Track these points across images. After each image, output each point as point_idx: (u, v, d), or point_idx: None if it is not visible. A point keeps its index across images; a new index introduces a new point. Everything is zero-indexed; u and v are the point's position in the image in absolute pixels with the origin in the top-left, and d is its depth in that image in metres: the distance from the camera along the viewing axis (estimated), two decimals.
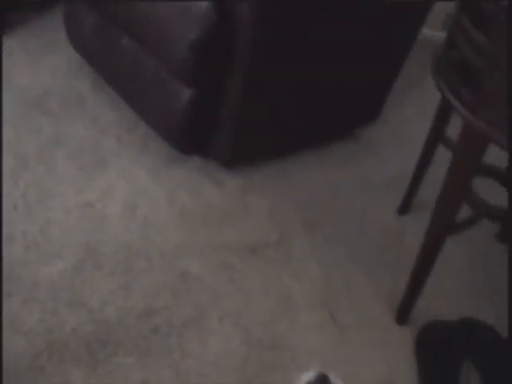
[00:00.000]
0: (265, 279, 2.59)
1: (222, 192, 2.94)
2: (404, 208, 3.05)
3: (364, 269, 2.73)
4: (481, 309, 2.70)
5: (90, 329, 2.28)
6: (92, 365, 2.19)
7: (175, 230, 2.71)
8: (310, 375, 1.18)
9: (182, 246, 2.65)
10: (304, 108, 3.00)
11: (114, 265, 2.51)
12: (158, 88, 2.88)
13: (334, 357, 2.35)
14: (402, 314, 2.55)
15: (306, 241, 2.79)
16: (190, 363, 2.27)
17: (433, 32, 3.77)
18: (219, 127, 2.91)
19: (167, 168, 3.00)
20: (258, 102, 2.82)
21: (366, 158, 3.29)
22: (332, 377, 1.17)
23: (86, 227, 2.63)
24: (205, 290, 2.50)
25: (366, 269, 2.74)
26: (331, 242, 2.81)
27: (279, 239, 2.77)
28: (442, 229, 2.32)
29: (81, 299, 2.37)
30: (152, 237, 2.66)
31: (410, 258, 2.48)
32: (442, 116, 2.68)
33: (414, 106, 3.65)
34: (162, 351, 2.29)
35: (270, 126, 2.94)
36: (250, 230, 2.79)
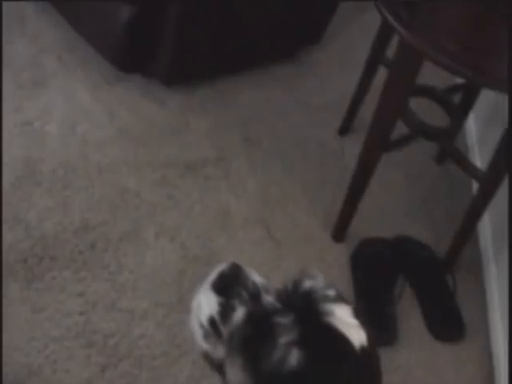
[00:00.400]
0: (202, 196, 2.61)
1: (162, 110, 2.94)
2: (344, 129, 3.08)
3: (302, 187, 2.77)
4: (417, 228, 2.76)
5: (26, 244, 2.30)
6: (29, 279, 2.21)
7: (114, 147, 2.71)
8: (223, 265, 1.18)
9: (121, 163, 2.66)
10: (244, 27, 2.99)
11: (53, 181, 2.51)
12: (97, 6, 2.85)
13: (270, 272, 2.38)
14: (339, 232, 2.60)
15: (244, 158, 2.81)
16: (127, 276, 2.30)
17: None
18: (159, 45, 2.89)
19: (108, 86, 2.98)
20: (197, 20, 2.80)
21: (307, 80, 3.29)
22: (246, 269, 1.18)
23: (24, 145, 2.62)
24: (143, 205, 2.52)
25: (304, 187, 2.77)
26: (270, 159, 2.84)
27: (218, 157, 2.79)
28: (377, 145, 2.36)
29: (18, 215, 2.38)
30: (91, 154, 2.67)
31: (348, 177, 2.52)
32: (382, 37, 2.70)
33: (358, 30, 3.64)
34: (99, 265, 2.31)
35: (209, 44, 2.93)
36: (190, 147, 2.80)
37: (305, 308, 1.10)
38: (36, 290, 2.19)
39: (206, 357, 1.20)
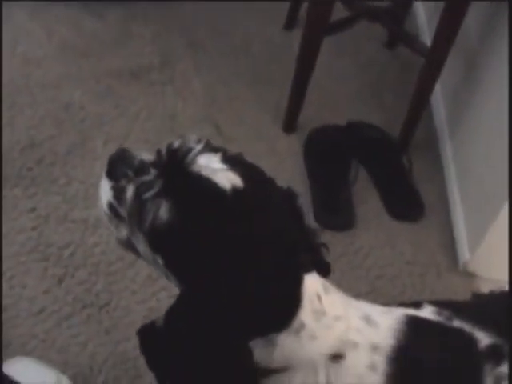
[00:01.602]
0: (148, 102, 2.58)
1: (103, 23, 2.89)
2: (290, 24, 3.04)
3: (249, 84, 2.74)
4: (369, 112, 2.75)
5: None
6: None
7: (56, 63, 2.67)
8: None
9: (64, 78, 2.62)
10: None
11: None
12: None
13: None
14: (288, 123, 2.58)
15: (189, 61, 2.77)
16: (77, 187, 2.29)
17: None
18: None
19: (46, 6, 2.92)
20: None
21: None
22: (134, 150, 1.20)
23: None
24: (88, 117, 2.49)
25: (252, 84, 2.74)
26: (215, 60, 2.80)
27: (162, 62, 2.75)
28: (317, 28, 2.32)
29: None
30: (33, 72, 2.63)
31: None
32: None
33: None
34: (48, 180, 2.29)
35: None
36: (133, 56, 2.76)
37: (170, 163, 1.09)
38: None
39: (119, 242, 1.21)
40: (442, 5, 2.24)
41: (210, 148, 1.11)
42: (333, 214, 2.34)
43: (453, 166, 2.51)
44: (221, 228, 1.05)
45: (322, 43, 2.35)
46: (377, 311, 1.26)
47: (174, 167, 1.07)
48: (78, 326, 1.95)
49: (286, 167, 2.41)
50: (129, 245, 1.16)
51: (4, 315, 1.94)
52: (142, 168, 1.12)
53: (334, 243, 2.27)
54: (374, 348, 1.18)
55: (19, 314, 1.95)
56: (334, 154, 2.47)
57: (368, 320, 1.21)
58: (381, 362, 1.17)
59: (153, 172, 1.08)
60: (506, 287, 1.47)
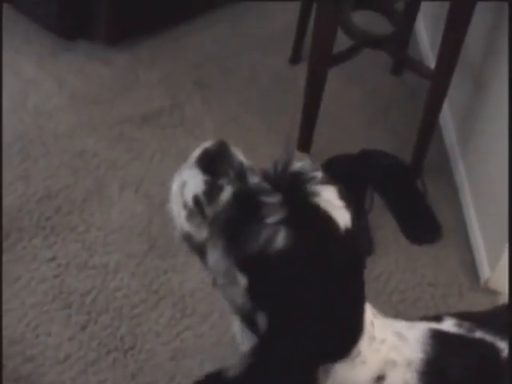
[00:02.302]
0: (161, 144, 2.61)
1: (111, 70, 2.93)
2: (295, 57, 3.07)
3: (260, 118, 2.77)
4: (381, 139, 2.76)
5: None
6: None
7: (67, 113, 2.71)
8: (207, 142, 1.15)
9: (76, 127, 2.65)
10: None
11: (11, 156, 2.50)
12: None
13: None
14: (301, 151, 2.59)
15: (198, 101, 2.80)
16: (96, 234, 2.31)
17: None
18: (97, 6, 2.88)
19: (53, 57, 2.98)
20: None
21: (254, 16, 3.29)
22: (233, 147, 1.16)
23: None
24: (103, 163, 2.52)
25: (262, 118, 2.77)
26: (225, 98, 2.83)
27: (172, 104, 2.78)
28: (321, 58, 2.35)
29: None
30: (45, 123, 2.66)
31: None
32: None
33: None
34: (67, 228, 2.32)
35: None
36: (143, 100, 2.79)
37: (292, 188, 1.05)
38: (8, 262, 2.19)
39: (187, 239, 1.15)
40: (443, 25, 2.26)
41: (327, 179, 1.09)
42: None
43: (467, 185, 2.52)
44: (330, 265, 1.05)
45: (327, 74, 2.36)
46: (403, 326, 1.27)
47: (299, 195, 1.04)
48: (105, 371, 1.96)
49: None
50: (198, 246, 1.11)
51: (31, 364, 1.96)
52: (242, 171, 1.09)
53: None
54: (409, 364, 1.18)
55: (45, 363, 1.97)
56: (348, 182, 2.45)
57: (400, 336, 1.22)
58: (413, 377, 1.18)
59: (272, 192, 1.04)
60: None
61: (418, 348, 1.21)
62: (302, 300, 1.04)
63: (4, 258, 2.20)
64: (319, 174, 1.08)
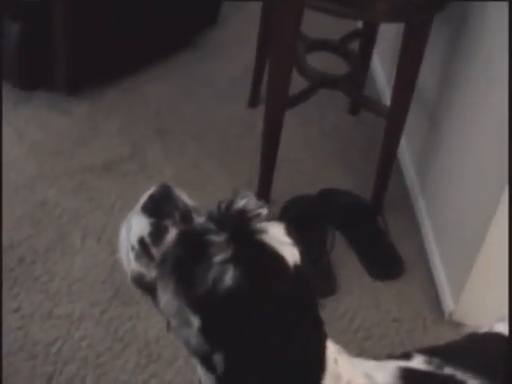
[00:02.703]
0: (122, 192, 2.62)
1: (70, 120, 2.94)
2: (253, 101, 3.10)
3: (219, 164, 2.79)
4: (340, 179, 2.79)
5: None
6: None
7: (28, 164, 2.71)
8: (152, 188, 1.16)
9: (37, 178, 2.66)
10: (136, 22, 3.00)
11: None
12: None
13: None
14: (262, 197, 2.57)
15: (158, 148, 2.82)
16: (59, 284, 2.30)
17: None
18: (54, 56, 2.90)
19: (13, 108, 2.97)
20: (86, 24, 2.82)
21: (211, 62, 3.31)
22: (177, 189, 1.16)
23: None
24: (64, 213, 2.52)
25: (222, 164, 2.79)
26: (184, 145, 2.86)
27: (132, 152, 2.80)
28: (277, 101, 2.38)
29: None
30: (5, 175, 2.65)
31: None
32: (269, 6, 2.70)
33: (255, 7, 3.63)
34: (30, 278, 2.31)
35: (103, 46, 2.95)
36: (103, 149, 2.80)
37: (238, 226, 1.06)
38: None
39: (138, 281, 1.15)
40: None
41: (273, 216, 1.10)
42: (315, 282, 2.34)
43: (427, 220, 2.55)
44: (280, 301, 1.05)
45: (284, 116, 2.39)
46: (372, 367, 1.26)
47: (245, 232, 1.05)
48: None
49: None
50: (148, 286, 1.12)
51: None
52: (186, 212, 1.10)
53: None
54: None
55: None
56: (308, 223, 2.50)
57: (370, 378, 1.21)
58: None
59: (217, 230, 1.05)
60: (495, 328, 1.48)
61: None
62: (254, 339, 1.04)
63: None
64: (264, 211, 1.09)
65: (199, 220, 1.10)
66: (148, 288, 1.13)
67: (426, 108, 2.63)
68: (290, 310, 1.06)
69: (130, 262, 1.14)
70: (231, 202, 1.09)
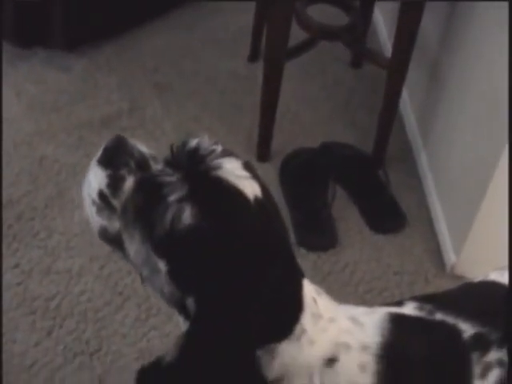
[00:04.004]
0: None
1: (69, 76, 2.92)
2: (253, 55, 3.07)
3: (219, 118, 2.76)
4: (342, 132, 2.77)
5: None
6: None
7: (27, 121, 2.69)
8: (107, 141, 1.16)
9: (36, 134, 2.63)
10: None
11: None
12: None
13: None
14: (262, 151, 2.59)
15: (157, 103, 2.80)
16: (58, 239, 2.29)
17: None
18: (52, 13, 2.86)
19: (11, 66, 2.94)
20: None
21: (211, 18, 3.28)
22: (132, 140, 1.15)
23: None
24: (63, 169, 2.50)
25: (222, 118, 2.77)
26: (183, 99, 2.83)
27: (131, 107, 2.77)
28: (276, 53, 2.35)
29: None
30: (4, 131, 2.64)
31: None
32: None
33: None
34: (29, 235, 2.30)
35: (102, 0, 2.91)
36: (101, 104, 2.78)
37: (191, 165, 1.04)
38: None
39: (103, 235, 1.14)
40: None
41: (228, 151, 1.07)
42: (315, 236, 2.34)
43: (429, 173, 2.53)
44: (242, 235, 1.02)
45: (283, 68, 2.36)
46: (360, 312, 1.25)
47: (199, 170, 1.02)
48: (71, 376, 1.95)
49: None
50: (115, 239, 1.10)
51: None
52: (142, 160, 1.08)
53: (319, 263, 2.28)
54: (364, 348, 1.17)
55: (11, 370, 1.95)
56: (309, 176, 2.48)
57: (354, 320, 1.20)
58: (370, 361, 1.16)
59: (171, 171, 1.03)
60: (490, 276, 1.46)
61: (374, 332, 1.20)
62: (221, 277, 1.02)
63: None
64: (218, 148, 1.06)
65: (157, 166, 1.07)
66: (115, 241, 1.12)
67: (428, 61, 2.60)
68: (255, 244, 1.03)
69: (93, 217, 1.12)
70: (184, 143, 1.07)
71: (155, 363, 1.07)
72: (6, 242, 2.25)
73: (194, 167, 1.03)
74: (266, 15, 2.71)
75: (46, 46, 2.99)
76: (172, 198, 1.00)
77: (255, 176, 1.07)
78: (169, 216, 1.00)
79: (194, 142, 1.07)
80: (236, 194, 1.02)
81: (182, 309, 1.08)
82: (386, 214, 2.45)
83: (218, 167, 1.03)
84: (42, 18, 2.87)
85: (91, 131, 2.64)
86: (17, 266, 2.20)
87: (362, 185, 2.53)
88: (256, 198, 1.04)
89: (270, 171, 2.53)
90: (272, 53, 2.32)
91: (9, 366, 1.95)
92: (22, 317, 2.08)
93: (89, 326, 2.06)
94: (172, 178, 1.02)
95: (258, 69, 2.86)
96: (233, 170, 1.04)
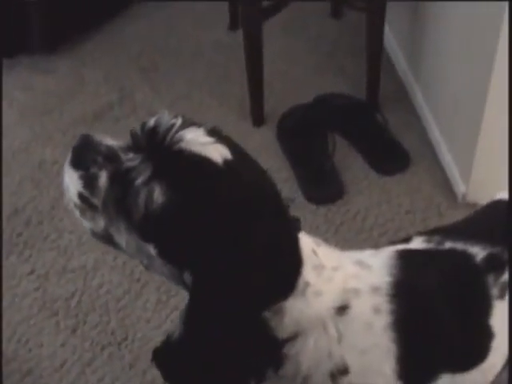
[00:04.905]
0: (117, 137, 2.55)
1: (55, 78, 2.92)
2: (233, 23, 3.06)
3: (209, 90, 2.76)
4: (332, 83, 2.75)
5: None
6: None
7: (21, 128, 2.70)
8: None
9: (32, 139, 2.64)
10: None
11: None
12: None
13: None
14: (256, 116, 2.59)
15: (146, 87, 2.80)
16: (69, 238, 2.30)
17: None
18: (28, 19, 2.86)
19: None
20: None
21: None
22: (97, 135, 1.15)
23: None
24: (62, 169, 2.48)
25: (212, 89, 2.76)
26: (171, 79, 2.83)
27: (121, 96, 2.78)
28: (253, 12, 2.34)
29: None
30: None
31: None
32: None
33: None
34: (40, 239, 2.30)
35: None
36: (91, 99, 2.79)
37: (152, 143, 1.03)
38: None
39: (95, 235, 1.14)
40: None
41: (189, 122, 1.06)
42: (321, 188, 2.33)
43: (426, 107, 2.51)
44: (220, 200, 1.01)
45: (262, 27, 2.35)
46: (366, 255, 1.23)
47: (161, 147, 1.01)
48: (102, 368, 1.96)
49: (264, 159, 2.33)
50: (106, 236, 1.10)
51: (29, 378, 1.95)
52: (111, 153, 1.07)
53: (330, 216, 2.27)
54: (375, 290, 1.15)
55: (43, 374, 1.96)
56: (307, 131, 2.46)
57: (361, 264, 1.19)
58: (383, 301, 1.15)
59: (134, 156, 1.02)
60: (497, 196, 1.44)
61: (383, 273, 1.18)
62: (210, 246, 1.01)
63: None
64: (178, 121, 1.05)
65: (128, 156, 1.05)
66: (106, 238, 1.11)
67: None
68: (231, 204, 1.02)
69: (79, 219, 1.12)
70: (143, 125, 1.06)
71: (165, 341, 1.08)
72: (17, 251, 2.26)
73: (155, 146, 1.02)
74: None
75: (28, 51, 2.99)
76: (139, 180, 0.99)
77: (223, 139, 1.06)
78: (141, 199, 1.00)
79: (152, 121, 1.06)
80: (201, 161, 1.01)
81: (186, 285, 1.08)
82: (390, 155, 2.44)
83: (180, 140, 1.02)
84: (20, 24, 2.86)
85: (85, 127, 2.64)
86: (32, 272, 2.20)
87: (360, 131, 2.51)
88: (226, 161, 1.02)
89: (267, 134, 2.52)
90: (248, 16, 2.32)
91: (39, 370, 1.97)
92: (45, 320, 2.09)
93: (112, 316, 2.06)
94: (135, 161, 1.01)
95: (240, 36, 2.83)
96: (195, 139, 1.02)
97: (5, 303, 2.12)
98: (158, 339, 1.93)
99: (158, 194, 0.99)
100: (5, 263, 2.22)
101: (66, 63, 2.93)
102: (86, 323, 2.05)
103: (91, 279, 2.16)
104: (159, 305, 2.07)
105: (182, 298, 2.02)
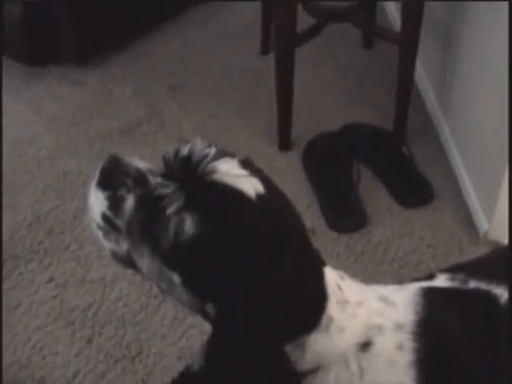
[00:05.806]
0: (144, 153, 2.61)
1: (84, 90, 2.93)
2: (264, 47, 3.07)
3: (237, 113, 2.77)
4: (360, 113, 2.75)
5: None
6: None
7: (47, 137, 2.72)
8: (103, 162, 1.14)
9: (57, 149, 2.66)
10: None
11: None
12: None
13: None
14: (283, 140, 2.59)
15: (175, 106, 2.81)
16: (89, 249, 2.30)
17: None
18: (60, 29, 2.88)
19: (27, 85, 2.97)
20: None
21: (220, 13, 3.29)
22: (127, 157, 1.14)
23: None
24: (87, 180, 2.45)
25: (239, 112, 2.77)
26: (200, 99, 2.84)
27: (149, 113, 2.79)
28: (286, 38, 2.35)
29: None
30: (26, 151, 2.67)
31: None
32: None
33: None
34: (60, 248, 2.31)
35: (109, 10, 2.93)
36: (119, 114, 2.80)
37: (185, 173, 1.02)
38: (6, 290, 2.19)
39: (116, 258, 1.14)
40: None
41: (223, 152, 1.05)
42: (344, 217, 2.33)
43: (453, 143, 2.51)
44: (252, 235, 1.00)
45: (294, 54, 2.36)
46: (390, 291, 1.22)
47: (194, 177, 1.00)
48: (115, 381, 1.95)
49: (289, 184, 2.40)
50: (127, 259, 1.09)
51: None
52: (140, 177, 1.06)
53: (352, 245, 2.27)
54: (399, 327, 1.14)
55: (56, 383, 1.94)
56: (333, 159, 2.47)
57: (385, 300, 1.17)
58: (407, 339, 1.13)
59: (167, 183, 1.01)
60: None
61: (407, 310, 1.17)
62: (236, 279, 1.00)
63: (4, 286, 2.17)
64: (212, 150, 1.04)
65: (156, 180, 1.05)
66: (127, 261, 1.11)
67: (439, 30, 2.58)
68: (262, 239, 1.01)
69: (101, 242, 1.11)
70: (176, 152, 1.05)
71: (184, 373, 1.06)
72: (37, 258, 2.27)
73: (188, 175, 1.01)
74: (273, 5, 2.70)
75: (59, 62, 3.02)
76: (171, 210, 0.99)
77: (255, 171, 1.05)
78: (171, 229, 0.99)
79: (186, 149, 1.05)
80: (234, 194, 1.00)
81: (205, 315, 1.07)
82: (413, 188, 2.43)
83: (213, 171, 1.01)
84: (52, 35, 2.89)
85: (112, 141, 2.65)
86: (51, 280, 2.21)
87: (386, 162, 2.51)
88: (258, 194, 1.02)
89: (293, 159, 2.53)
90: (281, 41, 2.33)
91: (52, 379, 1.97)
92: (61, 329, 2.09)
93: (128, 330, 2.06)
94: (168, 189, 1.01)
95: (271, 60, 2.85)
96: (229, 171, 1.02)
97: (22, 309, 2.12)
98: (172, 356, 1.93)
99: (190, 225, 0.98)
100: (24, 270, 2.23)
101: (96, 76, 2.95)
102: (101, 335, 2.05)
103: (109, 292, 2.16)
104: (175, 322, 2.07)
105: (198, 316, 2.01)
